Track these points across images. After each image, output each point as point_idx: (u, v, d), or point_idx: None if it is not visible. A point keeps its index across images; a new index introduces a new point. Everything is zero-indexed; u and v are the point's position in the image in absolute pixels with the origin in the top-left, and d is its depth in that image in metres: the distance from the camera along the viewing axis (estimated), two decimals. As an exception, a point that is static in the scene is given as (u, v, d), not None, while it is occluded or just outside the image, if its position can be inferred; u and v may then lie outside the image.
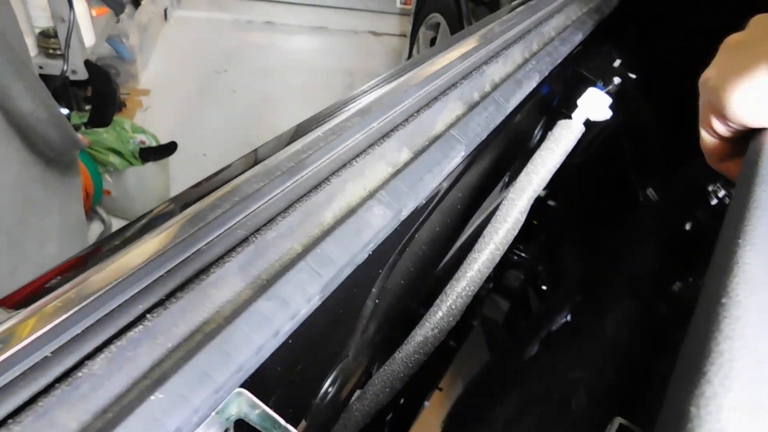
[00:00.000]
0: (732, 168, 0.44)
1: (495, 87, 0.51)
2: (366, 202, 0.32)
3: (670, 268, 0.59)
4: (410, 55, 2.43)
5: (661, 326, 0.55)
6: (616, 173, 1.16)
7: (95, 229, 1.81)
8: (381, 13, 3.33)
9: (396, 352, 0.47)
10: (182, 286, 0.24)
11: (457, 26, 1.92)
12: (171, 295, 0.23)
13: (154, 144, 1.85)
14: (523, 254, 1.23)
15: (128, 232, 0.25)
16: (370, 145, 0.36)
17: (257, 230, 0.28)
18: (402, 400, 0.87)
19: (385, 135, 0.37)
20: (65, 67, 1.15)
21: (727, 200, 0.57)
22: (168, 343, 0.22)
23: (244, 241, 0.27)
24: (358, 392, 0.46)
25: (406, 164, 0.36)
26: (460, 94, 0.46)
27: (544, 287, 1.29)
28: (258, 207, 0.29)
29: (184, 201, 0.28)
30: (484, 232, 0.49)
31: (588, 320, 0.71)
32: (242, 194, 0.28)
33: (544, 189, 1.11)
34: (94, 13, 1.82)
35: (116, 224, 1.84)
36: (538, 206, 1.17)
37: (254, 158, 0.32)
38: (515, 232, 0.50)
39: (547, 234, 1.27)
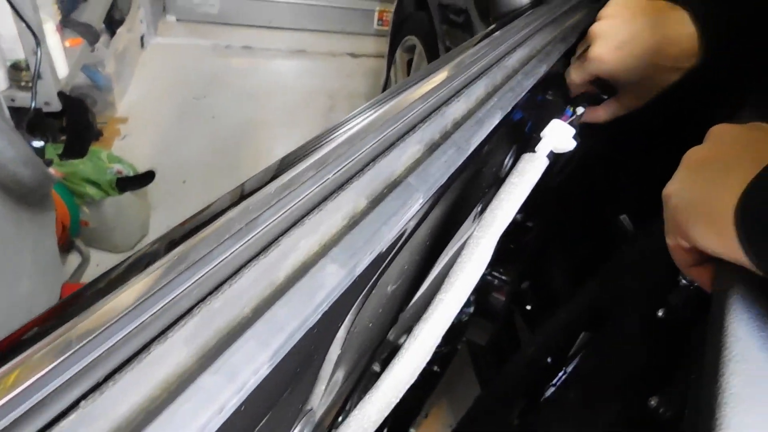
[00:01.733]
0: (702, 274, 0.43)
1: (457, 126, 0.51)
2: (319, 261, 0.31)
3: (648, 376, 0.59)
4: (387, 77, 2.45)
5: None
6: (589, 198, 1.17)
7: (73, 261, 1.78)
8: (359, 35, 3.36)
9: (367, 395, 0.46)
10: (120, 367, 0.23)
11: (433, 48, 1.94)
12: (108, 377, 0.23)
13: (131, 173, 1.84)
14: (503, 277, 1.24)
15: (60, 312, 0.24)
16: (326, 198, 0.36)
17: (203, 299, 0.27)
18: (385, 431, 0.86)
19: (342, 186, 0.37)
20: (33, 103, 1.14)
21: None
22: (106, 426, 0.22)
23: (189, 312, 0.26)
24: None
25: (362, 216, 0.36)
26: (420, 137, 0.46)
27: (528, 307, 1.30)
28: (205, 274, 0.28)
29: (129, 272, 0.28)
30: (450, 272, 0.49)
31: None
32: (189, 261, 0.28)
33: (520, 213, 1.12)
34: (67, 43, 1.82)
35: (95, 255, 1.82)
36: (515, 229, 1.17)
37: (202, 219, 0.32)
38: (482, 271, 0.50)
39: (527, 255, 1.27)
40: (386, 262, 0.44)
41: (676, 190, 0.42)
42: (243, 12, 3.16)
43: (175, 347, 0.25)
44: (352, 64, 3.17)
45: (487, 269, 1.25)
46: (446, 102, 0.51)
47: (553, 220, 1.26)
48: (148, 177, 1.86)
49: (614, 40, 0.69)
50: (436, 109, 0.50)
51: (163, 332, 0.25)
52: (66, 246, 1.76)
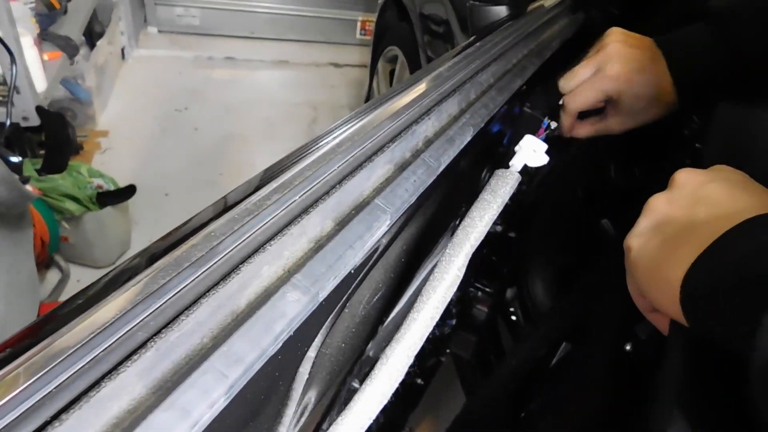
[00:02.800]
0: (659, 320, 0.45)
1: (428, 144, 0.51)
2: (280, 288, 0.31)
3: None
4: (370, 88, 2.45)
5: None
6: (571, 206, 1.17)
7: (53, 278, 1.76)
8: (342, 45, 3.37)
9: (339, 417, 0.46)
10: (69, 406, 0.23)
11: (414, 58, 1.95)
12: (56, 416, 0.22)
13: (112, 188, 1.82)
14: (487, 289, 1.24)
15: (10, 346, 0.24)
16: (290, 223, 0.35)
17: (159, 331, 0.27)
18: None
19: (308, 209, 0.37)
20: (7, 121, 1.13)
21: None
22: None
23: (143, 345, 0.26)
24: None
25: (328, 239, 0.36)
26: (390, 156, 0.46)
27: (514, 317, 1.30)
28: (162, 304, 0.28)
29: (86, 303, 0.27)
30: (422, 291, 0.49)
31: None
32: (146, 292, 0.28)
33: (500, 224, 1.12)
34: (46, 57, 1.80)
35: (75, 271, 1.79)
36: (497, 240, 1.17)
37: (163, 246, 0.31)
38: (454, 289, 0.50)
39: (511, 266, 1.27)
40: (356, 282, 0.44)
41: (636, 245, 0.43)
42: (225, 23, 3.16)
43: (128, 382, 0.25)
44: (336, 75, 3.17)
45: (469, 281, 1.25)
46: (418, 120, 0.51)
47: (536, 228, 1.26)
48: (129, 191, 1.84)
49: (633, 64, 0.71)
50: (407, 127, 0.50)
51: (115, 367, 0.25)
52: (46, 262, 1.74)
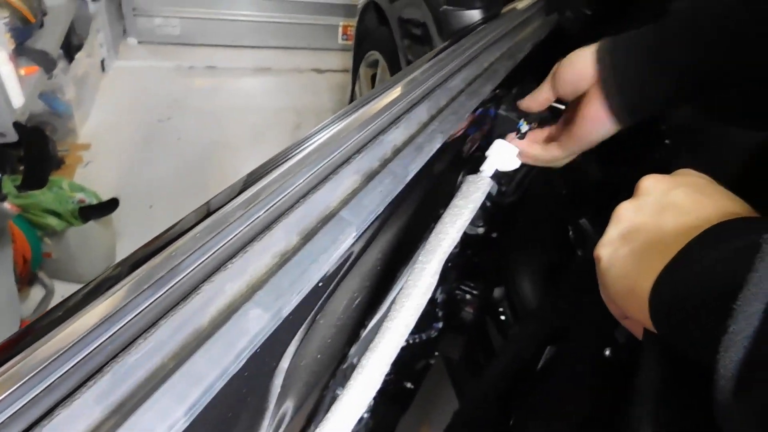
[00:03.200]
0: (633, 325, 0.45)
1: (397, 153, 0.51)
2: (243, 306, 0.31)
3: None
4: (353, 92, 2.46)
5: None
6: (554, 204, 1.18)
7: (36, 294, 1.74)
8: (324, 50, 3.37)
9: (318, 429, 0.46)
10: (23, 435, 0.23)
11: (395, 62, 1.95)
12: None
13: (94, 201, 1.81)
14: (474, 291, 1.24)
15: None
16: (254, 239, 0.35)
17: (117, 355, 0.27)
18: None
19: (271, 224, 0.37)
20: (-17, 139, 1.12)
21: None
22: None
23: (100, 369, 0.26)
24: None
25: (293, 254, 0.36)
26: (357, 167, 0.46)
27: (503, 317, 1.30)
28: (122, 326, 0.28)
29: (43, 331, 0.27)
30: (395, 299, 0.49)
31: None
32: (105, 316, 0.28)
33: (482, 225, 1.12)
34: (22, 72, 1.79)
35: (59, 287, 1.78)
36: (480, 242, 1.17)
37: (126, 267, 0.31)
38: (428, 296, 0.50)
39: (497, 266, 1.28)
40: (327, 294, 0.44)
41: (605, 255, 0.44)
42: (205, 32, 3.15)
43: (85, 408, 0.25)
44: (318, 80, 3.17)
45: (454, 284, 1.25)
46: (386, 129, 0.52)
47: (521, 227, 1.27)
48: (112, 205, 1.83)
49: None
50: (375, 137, 0.50)
51: (71, 393, 0.25)
52: (29, 279, 1.72)
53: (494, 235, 1.22)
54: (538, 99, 0.72)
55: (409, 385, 1.28)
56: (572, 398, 0.69)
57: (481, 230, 1.12)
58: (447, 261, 1.03)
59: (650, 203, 0.43)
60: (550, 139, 0.74)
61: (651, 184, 0.45)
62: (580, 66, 0.65)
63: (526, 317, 1.18)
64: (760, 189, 0.48)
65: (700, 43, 0.58)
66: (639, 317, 0.40)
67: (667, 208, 0.42)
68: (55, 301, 1.73)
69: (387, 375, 0.49)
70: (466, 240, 1.10)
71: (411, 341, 1.05)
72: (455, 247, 1.01)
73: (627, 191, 0.49)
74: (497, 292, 1.29)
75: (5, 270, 1.11)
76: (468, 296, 1.27)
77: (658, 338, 0.41)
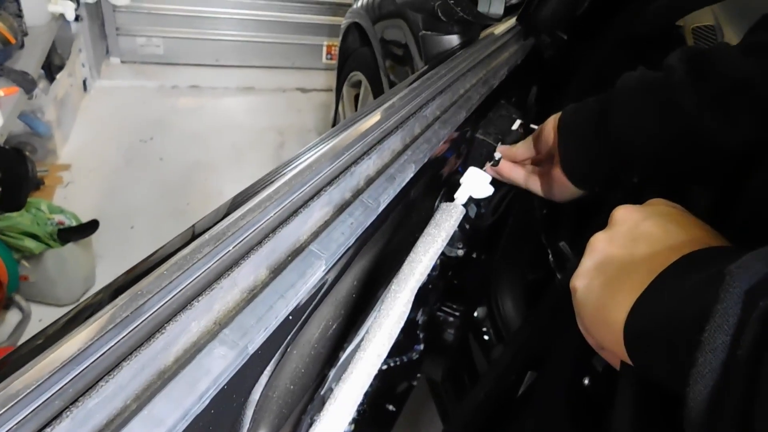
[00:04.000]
0: (610, 356, 0.45)
1: (370, 182, 0.52)
2: (208, 344, 0.31)
3: None
4: (336, 112, 2.47)
5: None
6: (531, 226, 1.19)
7: (13, 318, 1.71)
8: (308, 70, 3.39)
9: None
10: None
11: (377, 83, 1.97)
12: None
13: (74, 223, 1.79)
14: (456, 313, 1.24)
15: None
16: (221, 275, 0.36)
17: (77, 399, 0.27)
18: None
19: (239, 260, 0.37)
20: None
21: None
22: None
23: (59, 415, 0.26)
24: None
25: (261, 289, 0.36)
26: (328, 199, 0.46)
27: (486, 337, 1.30)
28: (84, 369, 0.28)
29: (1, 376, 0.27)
30: (369, 328, 0.49)
31: None
32: (66, 358, 0.28)
33: (462, 247, 1.12)
34: (1, 93, 1.78)
35: (36, 311, 1.75)
36: (460, 263, 1.18)
37: (90, 308, 0.31)
38: (401, 325, 0.51)
39: (478, 286, 1.28)
40: (298, 326, 0.44)
41: (580, 287, 0.44)
42: (189, 51, 3.16)
43: (42, 456, 0.24)
44: (302, 99, 3.19)
45: (435, 305, 1.25)
46: (358, 160, 0.52)
47: (502, 247, 1.28)
48: (91, 226, 1.81)
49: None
50: (348, 167, 0.51)
51: (28, 441, 0.25)
52: (4, 303, 1.70)
53: (474, 255, 1.23)
54: (518, 153, 0.76)
55: (390, 407, 1.27)
56: (550, 429, 0.70)
57: (460, 252, 1.13)
58: (427, 283, 1.04)
59: (623, 234, 0.44)
60: (533, 162, 0.77)
61: (623, 215, 0.46)
62: (549, 130, 0.69)
63: (507, 341, 1.19)
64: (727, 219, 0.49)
65: (642, 123, 0.60)
66: (614, 349, 0.40)
67: (639, 239, 0.42)
68: (32, 326, 1.71)
69: (360, 404, 0.49)
70: (446, 262, 1.11)
71: (392, 364, 1.05)
72: (434, 269, 1.02)
73: (605, 214, 0.50)
74: (480, 311, 1.29)
75: (-20, 295, 1.09)
76: (450, 318, 1.27)
77: (634, 370, 0.41)
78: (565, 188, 0.69)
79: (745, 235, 0.39)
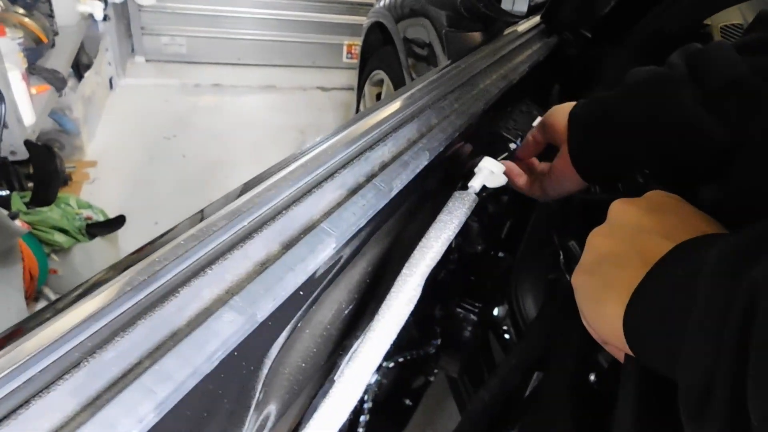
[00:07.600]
0: (615, 350, 0.46)
1: (384, 168, 0.53)
2: (218, 309, 0.33)
3: None
4: (357, 110, 2.49)
5: None
6: (540, 227, 1.19)
7: (40, 309, 1.76)
8: (329, 68, 3.42)
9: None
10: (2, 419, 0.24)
11: (400, 82, 1.98)
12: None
13: (101, 218, 1.83)
14: (475, 309, 1.24)
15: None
16: (233, 247, 0.37)
17: (93, 351, 0.28)
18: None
19: (252, 233, 0.38)
20: (-1, 154, 1.14)
21: None
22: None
23: (77, 365, 0.27)
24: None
25: (271, 263, 0.37)
26: (342, 182, 0.47)
27: (507, 336, 1.30)
28: (103, 326, 0.29)
29: (28, 329, 0.28)
30: (378, 310, 0.50)
31: None
32: (86, 315, 0.29)
33: (481, 243, 1.12)
34: (34, 91, 1.83)
35: (62, 301, 1.79)
36: (479, 259, 1.18)
37: (115, 272, 0.33)
38: (410, 309, 0.51)
39: (498, 283, 1.28)
40: (308, 303, 0.45)
41: (581, 282, 0.44)
42: (211, 50, 3.21)
43: (60, 400, 0.26)
44: (323, 98, 3.22)
45: (454, 301, 1.25)
46: (372, 146, 0.53)
47: (522, 245, 1.28)
48: (118, 221, 1.85)
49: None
50: (363, 152, 0.52)
51: (47, 386, 0.26)
52: (34, 296, 1.74)
53: (493, 252, 1.23)
54: (528, 147, 0.76)
55: (407, 402, 1.28)
56: (557, 427, 0.70)
57: (479, 248, 1.13)
58: (445, 277, 1.04)
59: (620, 228, 0.44)
60: (539, 172, 0.76)
61: (621, 208, 0.46)
62: (558, 121, 0.69)
63: (516, 342, 1.18)
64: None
65: (646, 116, 0.60)
66: (616, 343, 0.40)
67: (637, 231, 0.42)
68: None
69: (376, 396, 0.49)
70: (465, 258, 1.11)
71: (408, 357, 1.06)
72: (452, 263, 1.02)
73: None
74: (500, 310, 1.29)
75: (16, 287, 1.12)
76: (471, 315, 1.27)
77: (636, 362, 0.41)
78: (564, 180, 0.69)
79: (738, 225, 0.39)
